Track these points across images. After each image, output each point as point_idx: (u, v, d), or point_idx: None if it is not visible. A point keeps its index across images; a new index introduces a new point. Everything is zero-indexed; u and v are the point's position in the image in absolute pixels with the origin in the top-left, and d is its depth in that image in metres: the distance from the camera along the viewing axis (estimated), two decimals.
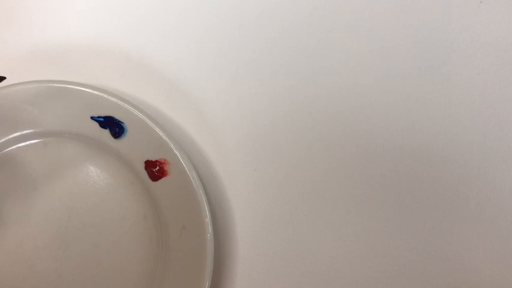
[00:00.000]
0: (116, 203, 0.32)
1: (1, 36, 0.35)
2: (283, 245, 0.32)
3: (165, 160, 0.31)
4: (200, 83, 0.34)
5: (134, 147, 0.31)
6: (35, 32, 0.35)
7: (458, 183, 0.32)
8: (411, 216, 0.32)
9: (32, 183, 0.32)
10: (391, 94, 0.33)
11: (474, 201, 0.32)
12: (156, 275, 0.31)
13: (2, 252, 0.31)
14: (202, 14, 0.35)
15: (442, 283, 0.31)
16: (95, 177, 0.32)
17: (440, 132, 0.33)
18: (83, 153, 0.33)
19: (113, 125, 0.31)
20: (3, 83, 0.31)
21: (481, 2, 0.34)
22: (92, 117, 0.32)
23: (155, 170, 0.31)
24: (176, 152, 0.30)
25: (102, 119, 0.31)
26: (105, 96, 0.31)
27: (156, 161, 0.31)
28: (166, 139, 0.31)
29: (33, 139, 0.32)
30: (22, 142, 0.32)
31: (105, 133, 0.32)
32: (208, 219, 0.30)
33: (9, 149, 0.32)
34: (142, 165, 0.31)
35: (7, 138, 0.32)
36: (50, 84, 0.31)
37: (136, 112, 0.31)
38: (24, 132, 0.32)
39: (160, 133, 0.31)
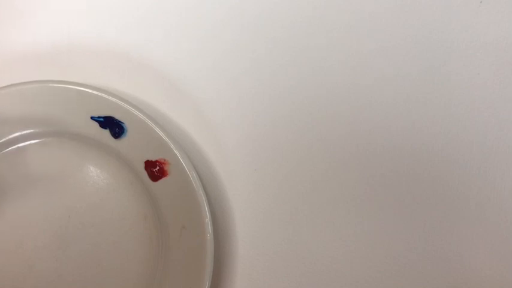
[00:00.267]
0: (116, 203, 0.32)
1: (1, 36, 0.35)
2: (283, 245, 0.32)
3: (165, 160, 0.31)
4: (200, 83, 0.34)
5: (134, 147, 0.31)
6: (35, 32, 0.35)
7: (458, 183, 0.32)
8: (411, 216, 0.32)
9: (32, 183, 0.32)
10: (391, 94, 0.33)
11: (474, 201, 0.32)
12: (156, 275, 0.31)
13: (2, 252, 0.31)
14: (202, 14, 0.35)
15: (442, 283, 0.31)
16: (95, 177, 0.32)
17: (440, 132, 0.33)
18: (83, 153, 0.33)
19: (113, 125, 0.31)
20: (4, 83, 0.31)
21: (481, 2, 0.34)
22: (92, 117, 0.32)
23: (155, 170, 0.31)
24: (176, 152, 0.30)
25: (102, 119, 0.31)
26: (105, 96, 0.31)
27: (156, 161, 0.31)
28: (166, 139, 0.31)
29: (33, 139, 0.32)
30: (22, 142, 0.32)
31: (105, 133, 0.32)
32: (208, 219, 0.30)
33: (9, 149, 0.32)
34: (142, 165, 0.31)
35: (7, 138, 0.32)
36: (50, 84, 0.31)
37: (136, 112, 0.31)
38: (24, 132, 0.32)
39: (160, 133, 0.31)
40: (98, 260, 0.31)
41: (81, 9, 0.36)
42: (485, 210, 0.32)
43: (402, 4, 0.35)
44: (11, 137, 0.32)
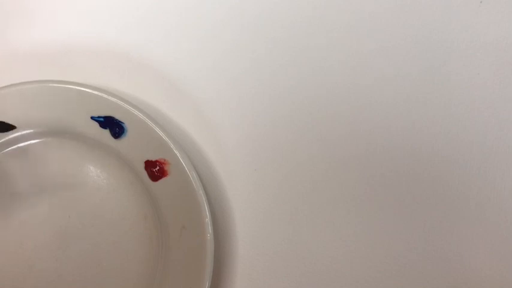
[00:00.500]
0: (116, 203, 0.32)
1: (1, 36, 0.35)
2: (283, 245, 0.32)
3: (165, 160, 0.31)
4: (200, 83, 0.34)
5: (134, 147, 0.31)
6: (35, 32, 0.35)
7: (458, 183, 0.32)
8: (411, 216, 0.32)
9: (32, 183, 0.32)
10: (391, 94, 0.33)
11: (474, 201, 0.32)
12: (156, 275, 0.31)
13: (2, 252, 0.31)
14: (202, 14, 0.35)
15: (442, 283, 0.31)
16: (95, 177, 0.32)
17: (440, 132, 0.33)
18: (83, 153, 0.33)
19: (113, 125, 0.31)
20: (4, 83, 0.31)
21: (481, 2, 0.34)
22: (92, 117, 0.32)
23: (155, 170, 0.31)
24: (176, 152, 0.30)
25: (102, 119, 0.31)
26: (105, 96, 0.31)
27: (156, 161, 0.31)
28: (166, 139, 0.31)
29: (33, 139, 0.32)
30: (22, 142, 0.32)
31: (105, 133, 0.32)
32: (208, 219, 0.30)
33: (9, 149, 0.32)
34: (142, 165, 0.31)
35: (7, 138, 0.32)
36: (50, 84, 0.31)
37: (136, 112, 0.31)
38: (24, 132, 0.32)
39: (160, 133, 0.31)
40: (98, 260, 0.31)
41: (81, 9, 0.36)
42: (485, 210, 0.32)
43: (402, 4, 0.35)
44: (11, 137, 0.32)
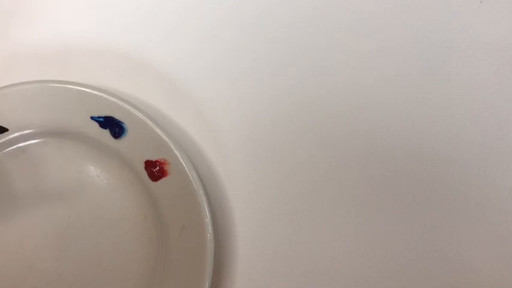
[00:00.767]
0: (115, 203, 0.32)
1: (1, 36, 0.35)
2: (283, 245, 0.32)
3: (165, 160, 0.31)
4: (200, 83, 0.34)
5: (134, 147, 0.31)
6: (35, 32, 0.35)
7: (458, 183, 0.32)
8: (411, 216, 0.32)
9: (31, 183, 0.32)
10: (391, 94, 0.33)
11: (474, 201, 0.32)
12: (156, 275, 0.31)
13: (2, 252, 0.31)
14: (202, 14, 0.35)
15: (442, 283, 0.31)
16: (95, 177, 0.32)
17: (440, 132, 0.33)
18: (83, 153, 0.33)
19: (113, 125, 0.31)
20: (4, 83, 0.31)
21: (481, 2, 0.34)
22: (92, 117, 0.32)
23: (155, 170, 0.31)
24: (176, 152, 0.30)
25: (102, 119, 0.31)
26: (105, 96, 0.31)
27: (156, 161, 0.31)
28: (166, 139, 0.31)
29: (33, 139, 0.32)
30: (22, 142, 0.32)
31: (105, 133, 0.32)
32: (208, 219, 0.30)
33: (10, 149, 0.32)
34: (142, 165, 0.31)
35: (7, 138, 0.32)
36: (50, 84, 0.31)
37: (136, 112, 0.31)
38: (24, 132, 0.32)
39: (160, 133, 0.31)
40: (98, 260, 0.31)
41: (81, 9, 0.36)
42: (485, 210, 0.32)
43: (402, 4, 0.35)
44: (11, 137, 0.32)
